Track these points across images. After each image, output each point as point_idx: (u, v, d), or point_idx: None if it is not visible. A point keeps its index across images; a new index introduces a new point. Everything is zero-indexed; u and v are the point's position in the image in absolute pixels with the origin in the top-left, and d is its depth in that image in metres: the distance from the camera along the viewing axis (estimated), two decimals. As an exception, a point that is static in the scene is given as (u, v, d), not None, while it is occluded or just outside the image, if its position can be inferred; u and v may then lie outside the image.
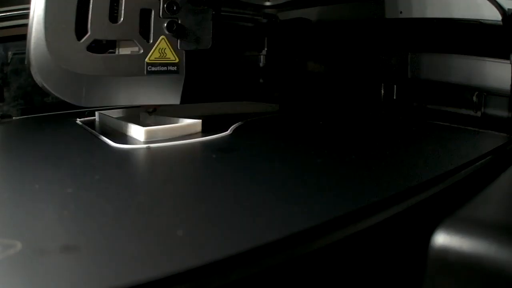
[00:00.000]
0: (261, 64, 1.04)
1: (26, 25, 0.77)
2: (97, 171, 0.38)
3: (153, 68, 0.49)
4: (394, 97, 0.85)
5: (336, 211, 0.27)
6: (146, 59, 0.49)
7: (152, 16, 0.49)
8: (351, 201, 0.30)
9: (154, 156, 0.44)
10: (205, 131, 0.53)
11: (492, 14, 0.66)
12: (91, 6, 0.46)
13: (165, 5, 0.49)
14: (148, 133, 0.48)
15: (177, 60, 0.50)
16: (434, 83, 0.79)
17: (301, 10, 0.98)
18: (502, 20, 0.64)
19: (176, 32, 0.50)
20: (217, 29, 0.52)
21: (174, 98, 0.51)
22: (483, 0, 0.66)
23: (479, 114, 0.72)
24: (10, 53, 0.79)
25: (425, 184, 0.34)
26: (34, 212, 0.28)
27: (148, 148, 0.45)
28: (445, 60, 0.77)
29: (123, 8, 0.47)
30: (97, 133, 0.52)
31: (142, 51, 0.49)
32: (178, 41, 0.50)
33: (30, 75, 0.70)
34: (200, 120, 0.53)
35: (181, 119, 0.55)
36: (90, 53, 0.47)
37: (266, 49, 1.02)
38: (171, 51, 0.50)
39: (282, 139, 0.55)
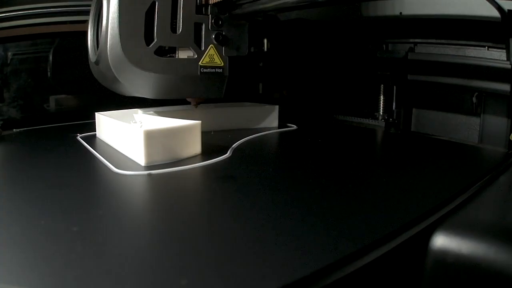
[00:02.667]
0: (260, 65, 0.99)
1: (26, 25, 0.82)
2: (101, 205, 0.38)
3: (204, 70, 0.61)
4: (394, 98, 0.87)
5: (331, 255, 0.26)
6: (200, 63, 0.61)
7: (203, 29, 0.61)
8: (349, 241, 0.29)
9: (155, 187, 0.43)
10: (205, 152, 0.54)
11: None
12: (156, 18, 0.58)
13: (212, 20, 0.61)
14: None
15: (222, 64, 0.62)
16: (434, 84, 0.80)
17: (301, 10, 0.95)
18: (502, 20, 0.62)
19: (222, 42, 0.62)
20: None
21: (219, 93, 0.63)
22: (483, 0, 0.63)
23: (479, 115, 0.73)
24: (10, 54, 0.82)
25: (419, 218, 0.33)
26: (41, 253, 0.28)
27: (149, 175, 0.45)
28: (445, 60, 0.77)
29: (181, 21, 0.59)
30: (98, 154, 0.53)
31: (196, 56, 0.60)
32: (223, 48, 0.62)
33: (30, 76, 0.81)
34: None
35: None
36: (157, 56, 0.58)
37: (265, 49, 0.96)
38: (218, 56, 0.62)
39: (280, 164, 0.55)
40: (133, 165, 0.49)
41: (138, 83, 0.57)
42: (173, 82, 0.59)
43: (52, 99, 0.89)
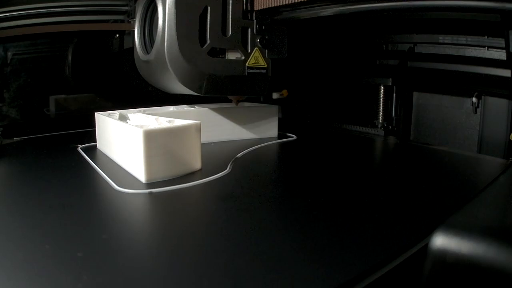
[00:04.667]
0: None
1: (27, 25, 0.83)
2: (105, 228, 0.37)
3: (250, 71, 0.66)
4: (394, 101, 0.86)
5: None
6: (246, 64, 0.66)
7: (249, 33, 0.66)
8: (344, 269, 0.29)
9: (157, 208, 0.44)
10: (205, 166, 0.54)
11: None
12: (208, 22, 0.62)
13: (257, 25, 0.66)
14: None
15: (266, 66, 0.68)
16: (433, 84, 0.80)
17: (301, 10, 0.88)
18: (501, 20, 0.62)
19: (265, 45, 0.67)
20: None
21: (263, 92, 0.68)
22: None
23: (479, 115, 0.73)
24: (9, 54, 0.82)
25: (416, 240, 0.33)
26: (48, 281, 0.28)
27: (151, 193, 0.45)
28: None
29: (230, 25, 0.64)
30: (99, 169, 0.53)
31: (243, 57, 0.65)
32: (266, 51, 0.68)
33: (29, 77, 0.81)
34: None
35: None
36: (210, 57, 0.62)
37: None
38: (262, 58, 0.67)
39: (279, 181, 0.54)
40: (134, 181, 0.49)
41: (191, 80, 0.61)
42: (222, 80, 0.63)
43: (52, 99, 0.90)
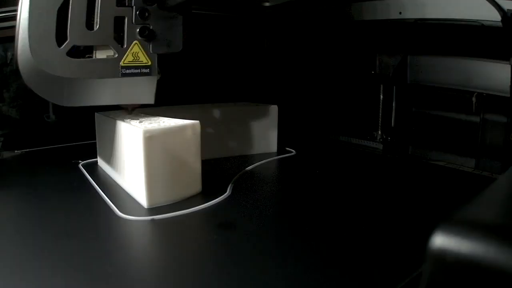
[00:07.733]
0: (260, 65, 1.04)
1: None
2: (110, 260, 0.39)
3: (127, 71, 0.54)
4: (393, 103, 0.85)
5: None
6: (121, 63, 0.53)
7: (126, 23, 0.53)
8: None
9: (160, 238, 0.46)
10: (205, 188, 0.56)
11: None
12: (69, 15, 0.51)
13: (137, 12, 0.53)
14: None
15: (149, 63, 0.55)
16: (433, 87, 0.80)
17: (300, 11, 0.96)
18: (502, 21, 0.63)
19: (148, 37, 0.54)
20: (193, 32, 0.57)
21: (148, 98, 0.55)
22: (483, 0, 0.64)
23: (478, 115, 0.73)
24: (9, 54, 0.80)
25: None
26: None
27: (153, 220, 0.48)
28: (445, 62, 0.77)
29: (98, 16, 0.52)
30: (101, 192, 0.55)
31: (117, 55, 0.53)
32: (150, 45, 0.55)
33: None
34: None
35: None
36: (69, 58, 0.52)
37: (265, 50, 1.04)
38: (143, 54, 0.54)
39: (278, 206, 0.55)
40: (136, 205, 0.52)
41: (50, 89, 0.51)
42: (90, 87, 0.52)
43: (51, 105, 0.86)
